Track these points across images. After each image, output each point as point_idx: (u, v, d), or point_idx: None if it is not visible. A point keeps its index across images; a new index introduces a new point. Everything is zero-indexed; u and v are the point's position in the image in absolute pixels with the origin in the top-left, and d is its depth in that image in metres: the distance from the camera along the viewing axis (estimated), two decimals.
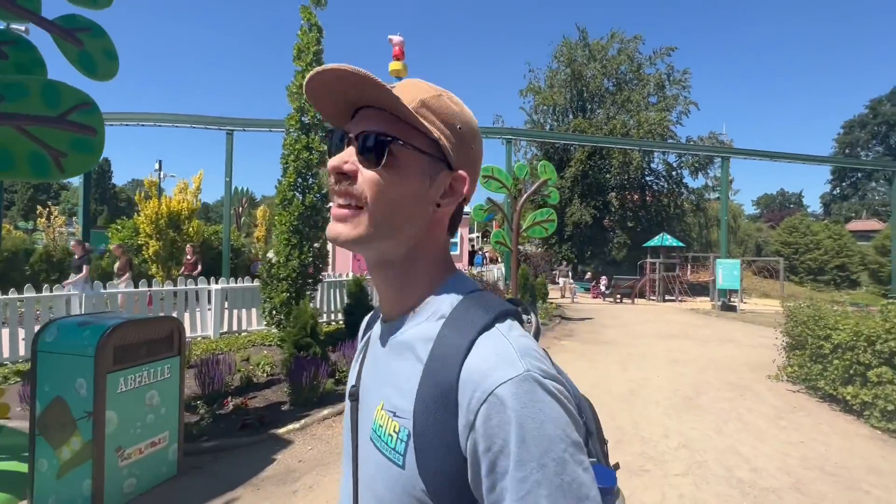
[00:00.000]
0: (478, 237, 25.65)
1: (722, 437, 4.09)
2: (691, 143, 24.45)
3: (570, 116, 25.74)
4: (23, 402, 3.80)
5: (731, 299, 15.84)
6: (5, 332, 5.17)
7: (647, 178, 25.10)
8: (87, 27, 3.64)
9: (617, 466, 0.68)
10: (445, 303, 0.55)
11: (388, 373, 0.56)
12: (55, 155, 3.19)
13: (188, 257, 9.65)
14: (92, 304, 5.64)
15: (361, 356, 0.66)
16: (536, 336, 0.60)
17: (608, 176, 24.11)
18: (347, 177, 0.54)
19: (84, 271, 7.26)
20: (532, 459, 0.42)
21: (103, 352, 2.43)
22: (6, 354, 5.15)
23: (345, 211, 0.54)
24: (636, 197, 25.01)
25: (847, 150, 50.56)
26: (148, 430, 2.71)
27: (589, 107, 25.85)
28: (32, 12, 3.46)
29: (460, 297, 0.55)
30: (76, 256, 7.57)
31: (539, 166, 10.60)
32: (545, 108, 26.25)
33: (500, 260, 16.61)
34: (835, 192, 53.57)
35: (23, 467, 2.79)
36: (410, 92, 0.55)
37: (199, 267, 9.41)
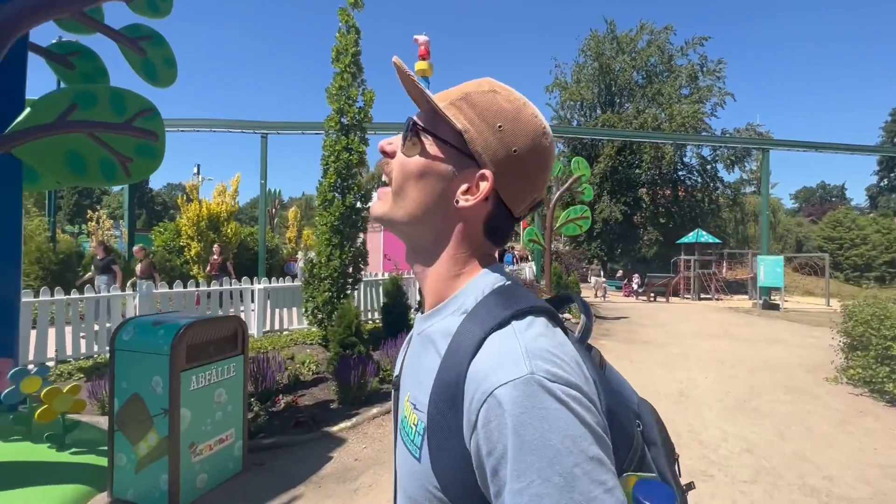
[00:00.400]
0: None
1: (786, 442, 3.91)
2: (727, 135, 23.59)
3: (599, 111, 25.22)
4: (91, 397, 3.98)
5: (773, 297, 15.20)
6: (68, 329, 5.43)
7: (680, 173, 24.36)
8: (149, 35, 3.75)
9: (691, 486, 0.63)
10: (471, 297, 0.54)
11: (416, 365, 0.57)
12: (122, 160, 3.30)
13: (214, 256, 9.75)
14: (146, 305, 5.86)
15: (407, 347, 0.66)
16: (584, 337, 0.57)
17: (638, 171, 23.52)
18: (388, 155, 0.60)
19: (117, 272, 7.43)
20: (531, 471, 0.39)
21: (177, 350, 2.50)
22: (69, 352, 5.40)
23: (382, 188, 0.60)
24: (668, 192, 24.31)
25: None
26: (217, 426, 2.78)
27: (618, 101, 25.27)
28: (100, 22, 3.58)
29: (486, 292, 0.53)
30: (98, 257, 7.71)
31: (573, 162, 10.44)
32: (572, 103, 25.81)
33: (530, 258, 16.44)
34: (882, 184, 50.55)
35: (100, 461, 2.91)
36: (464, 86, 0.57)
37: (230, 269, 9.44)
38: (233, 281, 7.14)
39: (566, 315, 9.61)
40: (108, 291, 5.98)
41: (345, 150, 6.20)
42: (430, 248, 0.58)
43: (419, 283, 0.61)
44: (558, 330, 0.50)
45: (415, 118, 0.57)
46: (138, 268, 8.06)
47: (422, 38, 22.65)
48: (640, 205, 23.94)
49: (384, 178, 0.60)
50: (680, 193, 24.20)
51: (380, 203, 0.60)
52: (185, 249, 10.64)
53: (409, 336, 0.68)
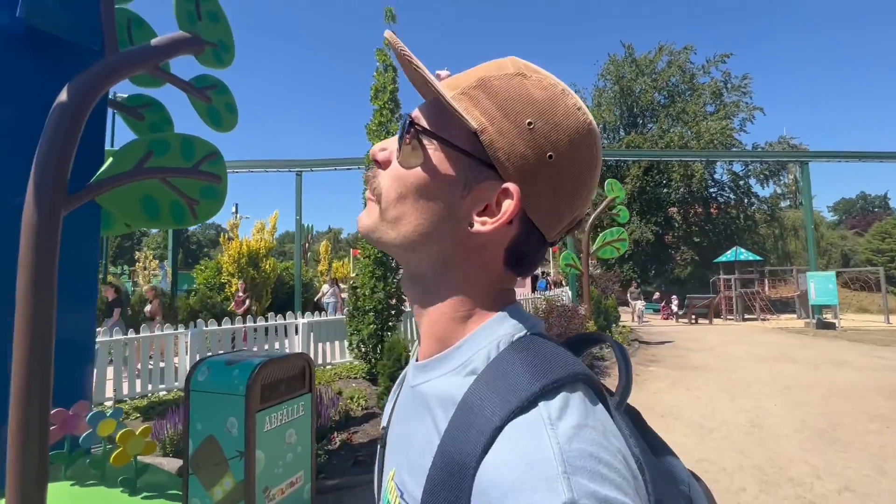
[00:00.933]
0: None
1: (889, 478, 3.55)
2: (758, 149, 23.07)
3: (622, 133, 25.21)
4: (153, 438, 3.99)
5: (826, 316, 14.34)
6: (124, 369, 5.54)
7: (711, 191, 23.83)
8: (215, 84, 3.94)
9: None
10: (482, 350, 0.41)
11: (407, 432, 0.45)
12: (190, 203, 3.40)
13: (239, 294, 9.70)
14: (197, 343, 5.96)
15: (397, 392, 0.54)
16: (623, 399, 0.42)
17: (667, 191, 23.14)
18: (380, 165, 0.47)
19: (115, 314, 7.51)
20: None
21: (253, 390, 2.47)
22: (125, 391, 5.50)
23: (370, 197, 0.47)
24: (700, 210, 23.74)
25: None
26: (288, 469, 2.71)
27: (640, 122, 25.24)
28: (172, 75, 3.79)
29: (502, 346, 0.41)
30: (109, 300, 7.69)
31: (606, 184, 10.34)
32: None
33: (564, 283, 16.14)
34: None
35: None
36: (482, 68, 0.44)
37: (248, 304, 9.49)
38: (239, 319, 7.20)
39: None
40: (111, 333, 5.77)
41: None
42: (430, 279, 0.45)
43: (415, 318, 0.49)
44: (599, 407, 0.37)
45: (413, 115, 0.44)
46: (148, 308, 8.05)
47: (444, 72, 23.02)
48: (671, 224, 23.42)
49: (370, 193, 0.47)
50: (712, 211, 23.59)
51: (367, 214, 0.47)
52: (226, 286, 10.92)
53: (400, 379, 0.56)
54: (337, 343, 7.37)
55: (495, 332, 0.42)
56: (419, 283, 0.47)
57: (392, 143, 0.46)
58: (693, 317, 16.73)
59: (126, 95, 4.52)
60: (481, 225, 0.42)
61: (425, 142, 0.43)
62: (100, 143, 3.31)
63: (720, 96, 23.47)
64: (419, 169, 0.43)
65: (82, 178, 2.94)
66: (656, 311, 18.84)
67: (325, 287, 12.60)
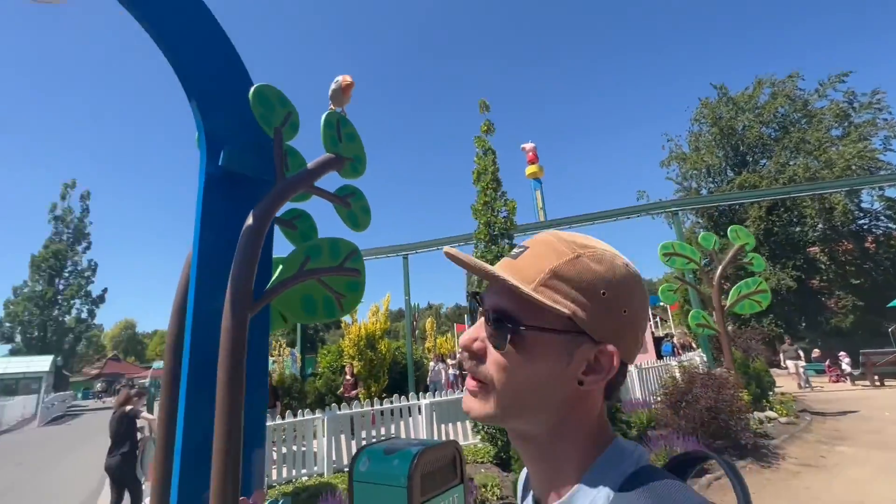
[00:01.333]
0: (659, 322, 22.92)
1: None
2: None
3: (730, 174, 23.19)
4: None
5: None
6: (273, 455, 5.97)
7: (861, 222, 20.22)
8: (353, 192, 4.52)
9: None
10: (600, 496, 0.45)
11: None
12: (338, 297, 3.77)
13: (348, 378, 9.99)
14: (333, 425, 6.28)
15: None
16: None
17: (801, 229, 20.17)
18: (477, 355, 0.53)
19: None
20: None
21: (414, 481, 2.46)
22: (273, 477, 5.87)
23: (474, 385, 0.53)
24: (850, 247, 20.08)
25: None
26: None
27: (751, 159, 23.08)
28: (320, 188, 4.42)
29: (617, 486, 0.45)
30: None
31: (730, 232, 9.40)
32: (696, 171, 24.28)
33: (694, 346, 14.30)
34: None
35: None
36: (540, 260, 0.51)
37: (359, 387, 9.71)
38: (353, 403, 7.32)
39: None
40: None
41: (496, 258, 6.45)
42: (545, 438, 0.51)
43: (527, 466, 0.54)
44: None
45: (496, 308, 0.51)
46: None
47: (528, 145, 24.32)
48: (815, 267, 20.03)
49: (470, 377, 0.54)
50: (868, 246, 19.79)
51: (478, 403, 0.52)
52: (347, 368, 11.58)
53: None
54: (460, 424, 7.21)
55: (608, 472, 0.47)
56: (533, 442, 0.52)
57: (480, 331, 0.53)
58: (876, 377, 13.49)
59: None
60: (592, 383, 0.50)
61: (521, 332, 0.50)
62: (269, 255, 3.95)
63: (847, 118, 20.73)
64: (525, 359, 0.50)
65: (258, 285, 3.46)
66: (820, 371, 15.58)
67: (432, 364, 12.71)
